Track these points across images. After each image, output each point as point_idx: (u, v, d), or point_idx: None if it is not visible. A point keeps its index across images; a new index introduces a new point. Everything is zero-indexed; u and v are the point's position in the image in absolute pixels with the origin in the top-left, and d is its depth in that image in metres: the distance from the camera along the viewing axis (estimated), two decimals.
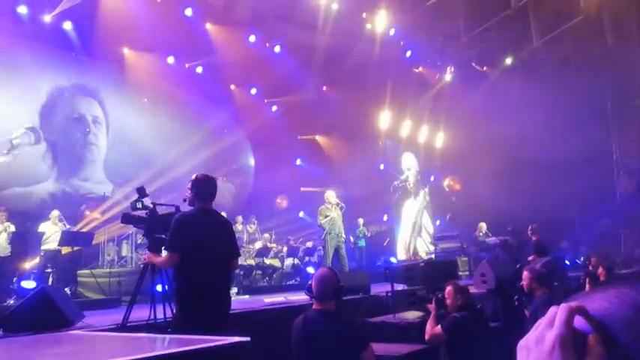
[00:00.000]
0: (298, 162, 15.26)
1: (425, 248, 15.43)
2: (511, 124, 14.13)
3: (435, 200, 17.19)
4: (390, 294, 6.45)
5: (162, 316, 4.07)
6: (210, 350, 2.19)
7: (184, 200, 3.83)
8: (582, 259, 11.02)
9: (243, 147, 14.22)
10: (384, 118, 15.42)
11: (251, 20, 12.27)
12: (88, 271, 8.68)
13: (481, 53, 15.48)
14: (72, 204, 10.50)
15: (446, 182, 17.77)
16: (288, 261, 11.25)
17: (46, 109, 10.56)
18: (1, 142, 9.72)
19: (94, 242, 9.00)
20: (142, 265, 4.51)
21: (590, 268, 7.73)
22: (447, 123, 16.94)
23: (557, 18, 13.01)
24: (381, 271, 7.22)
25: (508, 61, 15.36)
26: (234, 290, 8.10)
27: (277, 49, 13.16)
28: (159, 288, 4.26)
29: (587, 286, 6.74)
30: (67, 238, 8.12)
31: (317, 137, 15.50)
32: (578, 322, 0.55)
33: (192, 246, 3.51)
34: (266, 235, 11.91)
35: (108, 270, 8.95)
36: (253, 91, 14.16)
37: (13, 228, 8.02)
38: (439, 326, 3.93)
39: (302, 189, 14.20)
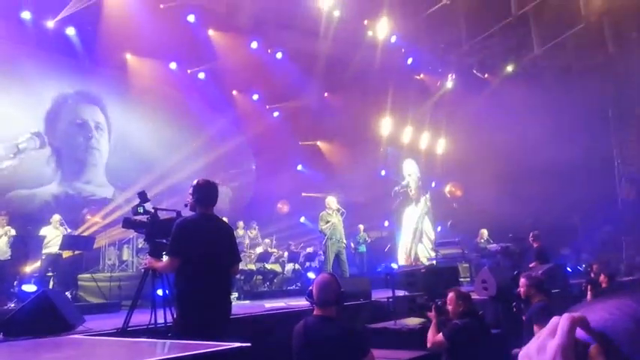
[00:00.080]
0: (299, 167, 15.28)
1: (426, 254, 15.41)
2: (512, 131, 14.14)
3: (436, 206, 17.18)
4: (391, 300, 6.44)
5: (162, 321, 4.07)
6: (210, 355, 2.19)
7: (186, 205, 3.84)
8: (584, 266, 10.99)
9: (244, 152, 14.25)
10: (385, 125, 15.44)
11: (253, 27, 12.33)
12: (88, 275, 8.69)
13: (482, 60, 15.52)
14: (74, 206, 10.62)
15: (447, 188, 17.76)
16: (289, 266, 11.24)
17: (51, 115, 10.78)
18: (8, 146, 9.97)
19: (95, 246, 9.02)
20: (142, 270, 4.51)
21: (592, 275, 7.72)
22: (448, 130, 16.96)
23: (558, 26, 13.04)
24: (382, 277, 7.22)
25: (509, 68, 15.39)
26: (234, 295, 8.09)
27: (279, 55, 13.22)
28: (160, 293, 4.26)
29: (588, 293, 6.72)
30: (68, 242, 8.14)
31: (318, 143, 15.53)
32: (580, 332, 0.55)
33: (193, 251, 3.51)
34: (267, 240, 11.92)
35: (109, 274, 8.95)
36: (255, 97, 14.20)
37: (13, 232, 8.03)
38: (440, 334, 3.92)
39: (303, 194, 14.21)
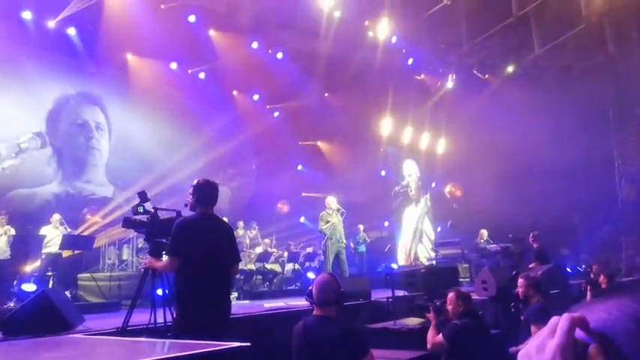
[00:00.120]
0: (299, 168, 15.29)
1: (426, 254, 15.41)
2: (512, 131, 14.14)
3: (437, 207, 17.18)
4: (390, 300, 6.44)
5: (162, 321, 4.07)
6: (210, 355, 2.19)
7: (186, 205, 3.85)
8: (583, 266, 10.99)
9: (244, 152, 14.25)
10: (385, 125, 15.44)
11: (254, 27, 12.33)
12: (88, 275, 8.69)
13: (483, 61, 15.52)
14: (75, 205, 10.65)
15: (447, 189, 17.76)
16: (289, 266, 11.25)
17: (52, 115, 10.84)
18: (10, 146, 10.02)
19: (94, 246, 9.02)
20: (142, 270, 4.51)
21: (592, 275, 7.72)
22: (448, 130, 16.96)
23: (559, 26, 13.04)
24: (381, 277, 7.23)
25: (510, 68, 15.39)
26: (234, 295, 8.09)
27: (280, 55, 13.22)
28: (159, 292, 4.27)
29: (588, 293, 6.73)
30: (68, 241, 8.14)
31: (318, 143, 15.54)
32: (580, 332, 0.55)
33: (193, 251, 3.51)
34: (267, 240, 11.93)
35: (108, 274, 8.96)
36: (255, 97, 14.21)
37: (13, 231, 8.04)
38: (440, 335, 3.92)
39: (303, 194, 14.21)
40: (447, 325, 4.00)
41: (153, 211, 4.36)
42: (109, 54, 10.93)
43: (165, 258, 3.84)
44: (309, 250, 11.93)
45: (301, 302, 5.77)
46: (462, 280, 9.54)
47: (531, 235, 9.33)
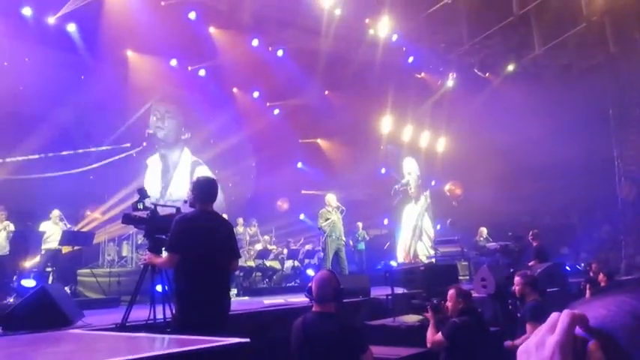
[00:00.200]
0: (299, 165, 15.29)
1: (425, 252, 15.43)
2: (512, 130, 14.15)
3: (436, 205, 17.20)
4: (390, 297, 6.45)
5: (161, 317, 4.08)
6: (209, 351, 2.20)
7: (185, 202, 3.85)
8: (583, 265, 11.01)
9: (244, 150, 14.25)
10: (385, 123, 15.44)
11: (254, 24, 12.31)
12: (88, 271, 8.70)
13: (483, 60, 15.50)
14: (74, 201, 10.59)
15: (447, 187, 17.77)
16: (288, 263, 11.27)
17: None
18: None
19: (94, 242, 9.03)
20: (142, 266, 4.52)
21: (591, 274, 7.73)
22: (448, 128, 16.95)
23: (559, 25, 13.02)
24: (381, 275, 7.23)
25: (510, 67, 15.38)
26: (233, 291, 8.10)
27: (280, 53, 13.20)
28: (159, 288, 4.27)
29: (587, 292, 6.74)
30: (68, 237, 8.15)
31: (318, 141, 15.53)
32: (579, 329, 0.56)
33: (192, 247, 3.52)
34: (266, 237, 11.95)
35: (108, 270, 8.97)
36: (255, 94, 14.19)
37: (12, 227, 8.04)
38: (440, 333, 3.92)
39: (303, 192, 14.22)
40: (446, 323, 4.00)
41: (152, 207, 4.37)
42: (110, 50, 10.90)
43: (164, 254, 3.85)
44: (309, 247, 11.95)
45: (300, 299, 5.79)
46: (461, 277, 9.55)
47: (531, 233, 9.34)
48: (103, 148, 10.99)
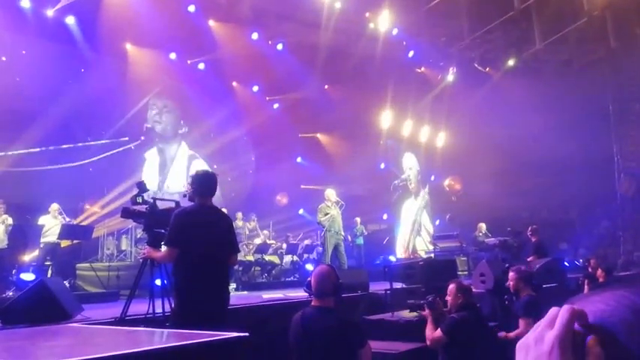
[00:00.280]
0: (299, 160, 15.28)
1: (424, 247, 15.44)
2: (512, 125, 14.13)
3: (435, 200, 17.21)
4: (388, 292, 6.46)
5: (160, 311, 4.08)
6: (208, 345, 2.19)
7: (184, 196, 3.85)
8: (581, 260, 11.03)
9: (244, 144, 14.23)
10: (385, 118, 15.41)
11: (254, 18, 12.26)
12: (87, 265, 8.71)
13: (484, 54, 15.46)
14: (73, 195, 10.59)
15: (446, 182, 17.77)
16: (287, 258, 11.28)
17: None
18: None
19: (93, 236, 9.03)
20: (141, 260, 4.52)
21: (590, 269, 7.73)
22: (448, 123, 16.94)
23: (560, 20, 12.98)
24: (380, 270, 7.23)
25: (511, 62, 15.34)
26: (232, 286, 8.11)
27: (280, 46, 13.15)
28: (158, 282, 4.27)
29: (585, 287, 6.75)
30: (67, 231, 8.14)
31: (318, 135, 15.51)
32: (578, 323, 0.56)
33: (191, 241, 3.52)
34: (265, 232, 11.96)
35: (107, 264, 8.98)
36: (255, 88, 14.16)
37: (10, 221, 8.04)
38: (439, 330, 3.92)
39: (302, 186, 14.22)
40: (445, 319, 4.00)
41: (152, 201, 4.36)
42: (109, 43, 10.85)
43: (163, 248, 3.85)
44: (308, 242, 11.96)
45: (299, 293, 5.79)
46: (460, 273, 9.56)
47: (530, 228, 9.36)
48: (102, 141, 10.97)
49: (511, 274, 4.63)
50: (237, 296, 7.18)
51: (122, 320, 4.14)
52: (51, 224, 8.29)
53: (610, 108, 15.17)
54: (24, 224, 8.41)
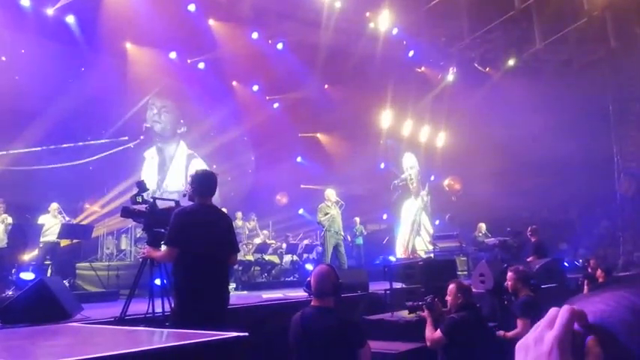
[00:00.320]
0: (299, 159, 15.27)
1: (424, 247, 15.44)
2: (512, 125, 14.13)
3: (435, 200, 17.20)
4: (388, 292, 6.46)
5: (160, 310, 4.08)
6: (208, 345, 2.19)
7: (184, 195, 3.84)
8: (581, 261, 11.03)
9: (244, 143, 14.23)
10: (385, 117, 15.41)
11: (254, 17, 12.26)
12: (87, 264, 8.71)
13: (484, 54, 15.46)
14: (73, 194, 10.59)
15: (446, 182, 17.77)
16: (287, 257, 11.28)
17: None
18: None
19: (93, 235, 9.03)
20: (140, 259, 4.51)
21: (589, 270, 7.74)
22: (448, 123, 16.94)
23: (560, 20, 12.98)
24: (379, 269, 7.23)
25: (511, 62, 15.34)
26: (232, 286, 8.11)
27: (280, 46, 13.15)
28: (157, 282, 4.27)
29: (585, 288, 6.75)
30: (67, 230, 8.14)
31: (318, 135, 15.51)
32: (578, 324, 0.56)
33: (191, 241, 3.51)
34: (265, 232, 11.96)
35: (107, 263, 8.97)
36: (255, 87, 14.15)
37: (10, 220, 8.03)
38: (438, 331, 3.91)
39: (302, 186, 14.22)
40: (445, 319, 4.00)
41: (152, 200, 4.36)
42: (109, 42, 10.85)
43: (163, 248, 3.84)
44: (307, 241, 11.96)
45: (299, 293, 5.79)
46: (459, 273, 9.56)
47: (529, 229, 9.36)
48: (102, 140, 10.97)
49: (509, 275, 4.63)
50: (237, 296, 7.18)
51: (122, 320, 4.13)
52: (51, 223, 8.29)
53: (610, 108, 15.17)
54: (24, 223, 8.41)
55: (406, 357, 4.62)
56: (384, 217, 15.78)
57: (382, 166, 16.10)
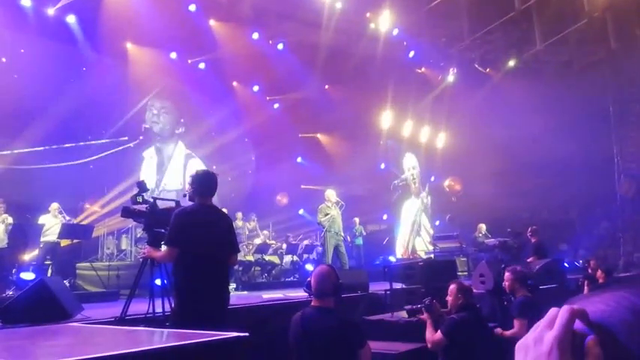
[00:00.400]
0: (299, 160, 15.27)
1: (424, 247, 15.44)
2: (513, 125, 14.13)
3: (436, 200, 17.20)
4: (388, 292, 6.46)
5: (160, 310, 4.08)
6: (208, 345, 2.19)
7: (184, 195, 3.85)
8: (581, 261, 11.03)
9: (244, 144, 14.24)
10: (385, 118, 15.42)
11: (254, 17, 12.27)
12: (87, 264, 8.71)
13: (484, 55, 15.46)
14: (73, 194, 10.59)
15: (446, 183, 17.77)
16: (287, 258, 11.29)
17: None
18: None
19: (93, 235, 9.03)
20: (141, 259, 4.52)
21: (589, 270, 7.74)
22: (448, 124, 16.94)
23: (560, 21, 12.98)
24: (379, 270, 7.22)
25: (511, 63, 15.35)
26: (232, 286, 8.12)
27: (280, 46, 13.16)
28: (158, 282, 4.27)
29: (585, 288, 6.75)
30: (67, 230, 8.15)
31: (318, 135, 15.51)
32: (578, 323, 0.55)
33: (191, 241, 3.51)
34: (265, 232, 11.96)
35: (107, 263, 8.98)
36: (255, 88, 14.16)
37: (10, 220, 8.03)
38: (439, 332, 3.91)
39: (302, 187, 14.22)
40: (445, 320, 3.99)
41: (152, 200, 4.36)
42: (109, 42, 10.85)
43: (163, 248, 3.85)
44: (307, 242, 11.96)
45: (299, 294, 5.79)
46: (459, 273, 9.56)
47: (529, 229, 9.36)
48: (102, 140, 10.98)
49: (506, 275, 4.62)
50: (237, 296, 7.18)
51: (122, 320, 4.13)
52: (51, 223, 8.30)
53: (610, 109, 15.17)
54: (24, 223, 8.41)
55: (406, 357, 4.62)
56: (384, 217, 15.78)
57: (382, 166, 16.11)
